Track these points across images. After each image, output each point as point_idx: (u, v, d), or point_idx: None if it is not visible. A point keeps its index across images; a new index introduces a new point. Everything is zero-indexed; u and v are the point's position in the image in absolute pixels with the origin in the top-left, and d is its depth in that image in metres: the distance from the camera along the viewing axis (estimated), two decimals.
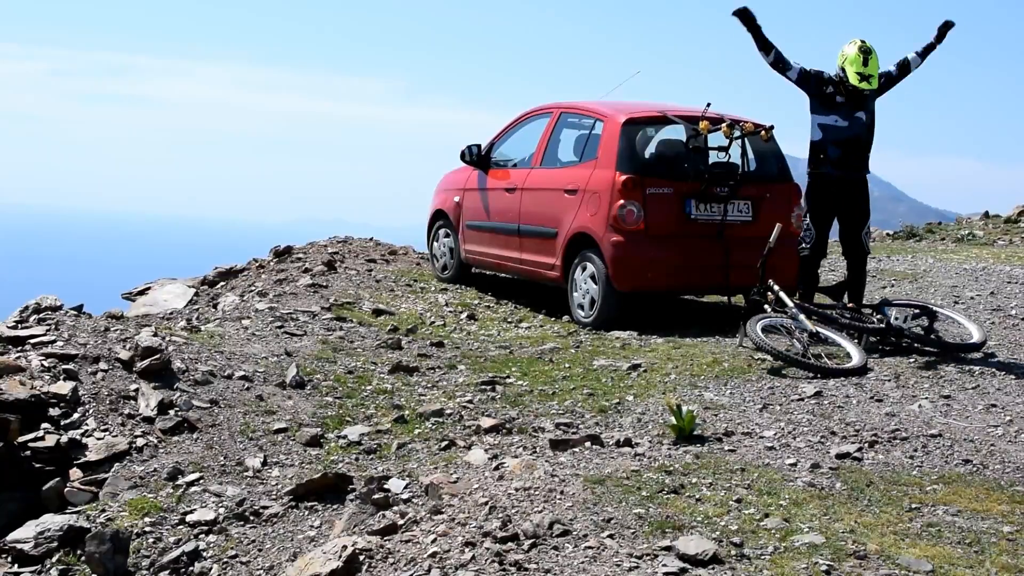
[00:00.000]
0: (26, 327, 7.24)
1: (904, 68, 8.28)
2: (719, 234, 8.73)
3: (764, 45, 8.07)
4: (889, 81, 8.29)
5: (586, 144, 9.54)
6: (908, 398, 6.55)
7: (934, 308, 8.05)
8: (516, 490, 4.91)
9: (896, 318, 7.78)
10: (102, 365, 6.67)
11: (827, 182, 8.19)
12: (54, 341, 6.93)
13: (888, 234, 16.48)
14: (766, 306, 7.79)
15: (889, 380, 6.90)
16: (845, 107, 8.06)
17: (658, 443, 5.78)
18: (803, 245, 8.27)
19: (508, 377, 7.38)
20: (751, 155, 9.05)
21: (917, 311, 8.06)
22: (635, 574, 4.14)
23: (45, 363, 6.58)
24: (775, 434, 5.89)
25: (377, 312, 9.43)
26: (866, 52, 7.86)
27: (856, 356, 7.16)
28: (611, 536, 4.44)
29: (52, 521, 5.36)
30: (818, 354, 7.24)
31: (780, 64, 8.13)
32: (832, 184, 8.17)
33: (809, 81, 8.10)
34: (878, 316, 7.84)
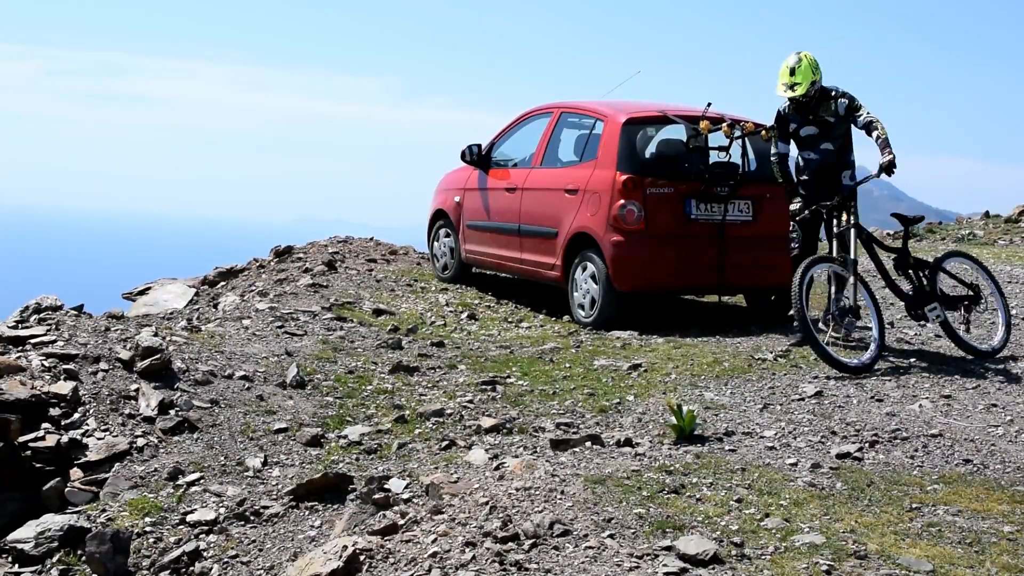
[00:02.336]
0: (26, 327, 7.24)
1: (864, 126, 7.84)
2: (719, 234, 8.73)
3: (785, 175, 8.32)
4: (851, 114, 7.95)
5: (586, 144, 9.53)
6: (908, 398, 6.55)
7: (983, 294, 7.96)
8: (516, 490, 4.91)
9: (941, 289, 7.76)
10: (102, 365, 6.67)
11: (809, 204, 8.19)
12: (54, 341, 6.93)
13: (888, 234, 16.48)
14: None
15: (890, 380, 6.90)
16: (812, 140, 8.09)
17: (658, 443, 5.78)
18: (793, 245, 8.40)
19: (508, 377, 7.38)
20: (751, 155, 9.06)
21: (967, 289, 7.96)
22: (635, 574, 4.14)
23: (45, 363, 6.58)
24: (775, 434, 5.90)
25: (377, 312, 9.43)
26: (791, 66, 7.89)
27: (870, 350, 7.16)
28: (611, 536, 4.44)
29: (52, 521, 5.36)
30: (841, 337, 7.40)
31: (781, 156, 8.31)
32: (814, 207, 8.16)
33: (782, 128, 8.21)
34: (927, 276, 7.78)
